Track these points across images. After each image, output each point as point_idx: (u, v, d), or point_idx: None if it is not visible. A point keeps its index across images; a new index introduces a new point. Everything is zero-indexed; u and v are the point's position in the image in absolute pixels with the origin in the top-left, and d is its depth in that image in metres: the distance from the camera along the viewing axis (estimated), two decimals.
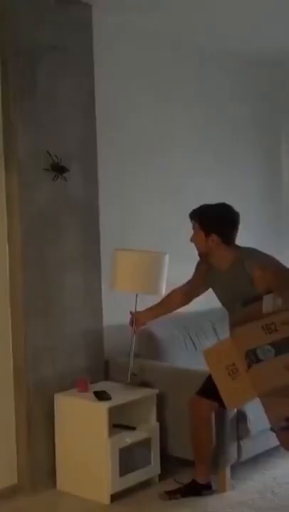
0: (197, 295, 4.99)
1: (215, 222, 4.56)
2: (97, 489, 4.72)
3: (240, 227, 4.63)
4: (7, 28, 4.69)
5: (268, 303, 4.14)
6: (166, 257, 5.00)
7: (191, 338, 5.61)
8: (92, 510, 4.65)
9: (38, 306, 4.87)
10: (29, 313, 4.82)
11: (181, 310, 5.13)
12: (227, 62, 6.58)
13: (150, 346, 5.36)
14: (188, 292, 4.95)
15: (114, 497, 4.72)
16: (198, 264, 4.85)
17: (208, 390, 4.54)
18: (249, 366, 3.96)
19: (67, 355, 5.05)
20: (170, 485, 4.91)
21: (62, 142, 4.98)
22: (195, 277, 4.90)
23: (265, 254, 4.59)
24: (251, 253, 4.59)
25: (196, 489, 4.80)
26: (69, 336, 5.06)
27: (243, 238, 4.70)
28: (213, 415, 4.73)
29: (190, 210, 5.25)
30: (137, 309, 5.00)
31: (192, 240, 4.64)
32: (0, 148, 4.78)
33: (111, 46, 5.46)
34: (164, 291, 5.01)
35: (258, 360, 3.95)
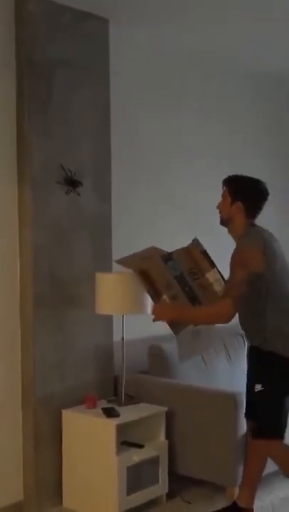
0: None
1: (243, 190, 4.53)
2: (104, 507, 4.67)
3: None
4: (23, 41, 4.68)
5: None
6: None
7: (201, 355, 5.55)
8: None
9: (47, 321, 4.84)
10: (39, 328, 4.78)
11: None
12: (243, 76, 6.61)
13: (160, 363, 5.32)
14: None
15: None
16: None
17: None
18: None
19: (76, 370, 5.01)
20: (178, 504, 4.88)
21: (76, 156, 4.96)
22: None
23: (251, 244, 4.37)
24: (248, 235, 4.46)
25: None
26: (79, 351, 5.02)
27: None
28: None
29: (203, 224, 5.23)
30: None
31: (218, 205, 4.60)
32: (13, 160, 4.76)
33: (127, 60, 5.46)
34: (149, 310, 4.92)
35: None
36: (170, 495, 4.98)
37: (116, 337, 5.16)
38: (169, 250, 4.59)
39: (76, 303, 4.99)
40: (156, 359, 5.34)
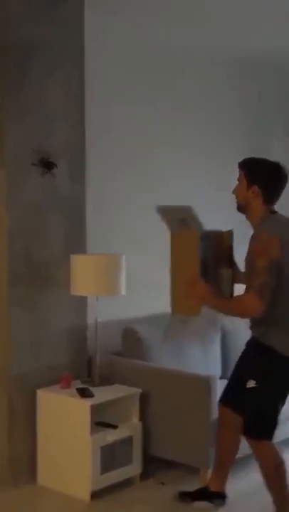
0: None
1: (261, 174, 4.26)
2: (78, 486, 4.71)
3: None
4: None
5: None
6: (123, 258, 4.97)
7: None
8: (71, 506, 4.65)
9: (22, 302, 4.87)
10: (14, 309, 4.82)
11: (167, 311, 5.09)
12: (217, 61, 6.60)
13: (134, 346, 5.37)
14: None
15: (95, 494, 4.71)
16: None
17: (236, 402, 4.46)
18: None
19: (50, 350, 5.04)
20: (151, 485, 4.94)
21: (51, 139, 4.98)
22: None
23: (268, 231, 4.12)
24: (265, 222, 4.22)
25: (208, 495, 4.66)
26: (53, 331, 5.05)
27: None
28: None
29: None
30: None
31: (233, 190, 4.35)
32: None
33: (102, 44, 5.51)
34: (124, 291, 4.99)
35: None
36: (144, 475, 5.01)
37: (90, 319, 5.20)
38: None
39: (51, 284, 5.01)
40: (130, 341, 5.39)
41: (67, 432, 4.78)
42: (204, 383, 4.92)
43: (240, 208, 4.34)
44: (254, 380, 4.22)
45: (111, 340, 5.32)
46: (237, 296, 4.31)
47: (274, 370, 4.22)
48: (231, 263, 4.42)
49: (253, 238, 4.17)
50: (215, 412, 4.81)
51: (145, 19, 5.51)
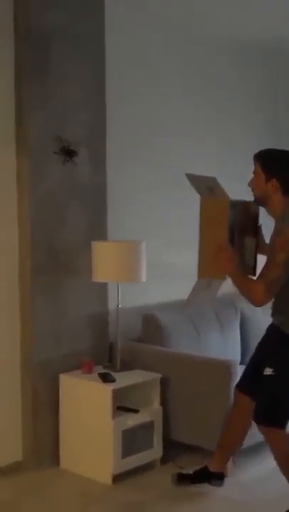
0: None
1: (279, 166, 4.17)
2: (100, 469, 4.78)
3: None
4: (20, 11, 4.74)
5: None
6: (143, 245, 5.00)
7: (194, 324, 5.64)
8: (93, 490, 4.70)
9: (45, 289, 4.93)
10: (37, 296, 4.88)
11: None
12: (230, 48, 6.60)
13: (154, 332, 5.42)
14: None
15: (117, 478, 4.77)
16: None
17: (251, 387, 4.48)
18: None
19: (72, 337, 5.10)
20: (171, 469, 4.96)
21: (72, 126, 5.02)
22: None
23: None
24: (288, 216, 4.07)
25: (206, 476, 4.70)
26: (75, 318, 5.11)
27: None
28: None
29: (193, 198, 5.26)
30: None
31: (250, 183, 4.26)
32: (12, 130, 4.83)
33: (122, 32, 5.52)
34: (144, 278, 5.03)
35: None
36: (164, 460, 5.07)
37: (110, 305, 5.27)
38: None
39: (72, 272, 5.07)
40: (151, 328, 5.44)
41: (89, 416, 4.85)
42: (225, 368, 4.96)
43: (259, 202, 4.26)
44: (271, 368, 4.21)
45: (131, 327, 5.38)
46: (252, 280, 4.19)
47: None
48: (256, 232, 4.35)
49: (275, 232, 4.07)
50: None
51: (165, 5, 5.52)
